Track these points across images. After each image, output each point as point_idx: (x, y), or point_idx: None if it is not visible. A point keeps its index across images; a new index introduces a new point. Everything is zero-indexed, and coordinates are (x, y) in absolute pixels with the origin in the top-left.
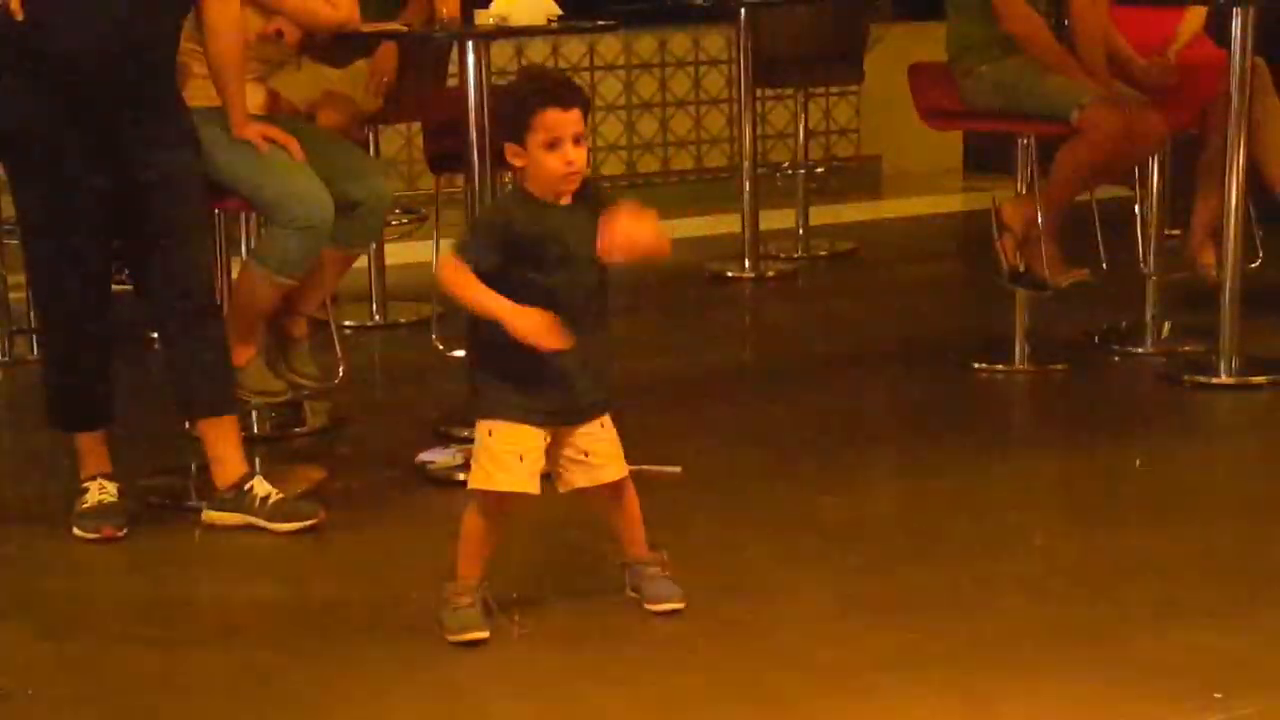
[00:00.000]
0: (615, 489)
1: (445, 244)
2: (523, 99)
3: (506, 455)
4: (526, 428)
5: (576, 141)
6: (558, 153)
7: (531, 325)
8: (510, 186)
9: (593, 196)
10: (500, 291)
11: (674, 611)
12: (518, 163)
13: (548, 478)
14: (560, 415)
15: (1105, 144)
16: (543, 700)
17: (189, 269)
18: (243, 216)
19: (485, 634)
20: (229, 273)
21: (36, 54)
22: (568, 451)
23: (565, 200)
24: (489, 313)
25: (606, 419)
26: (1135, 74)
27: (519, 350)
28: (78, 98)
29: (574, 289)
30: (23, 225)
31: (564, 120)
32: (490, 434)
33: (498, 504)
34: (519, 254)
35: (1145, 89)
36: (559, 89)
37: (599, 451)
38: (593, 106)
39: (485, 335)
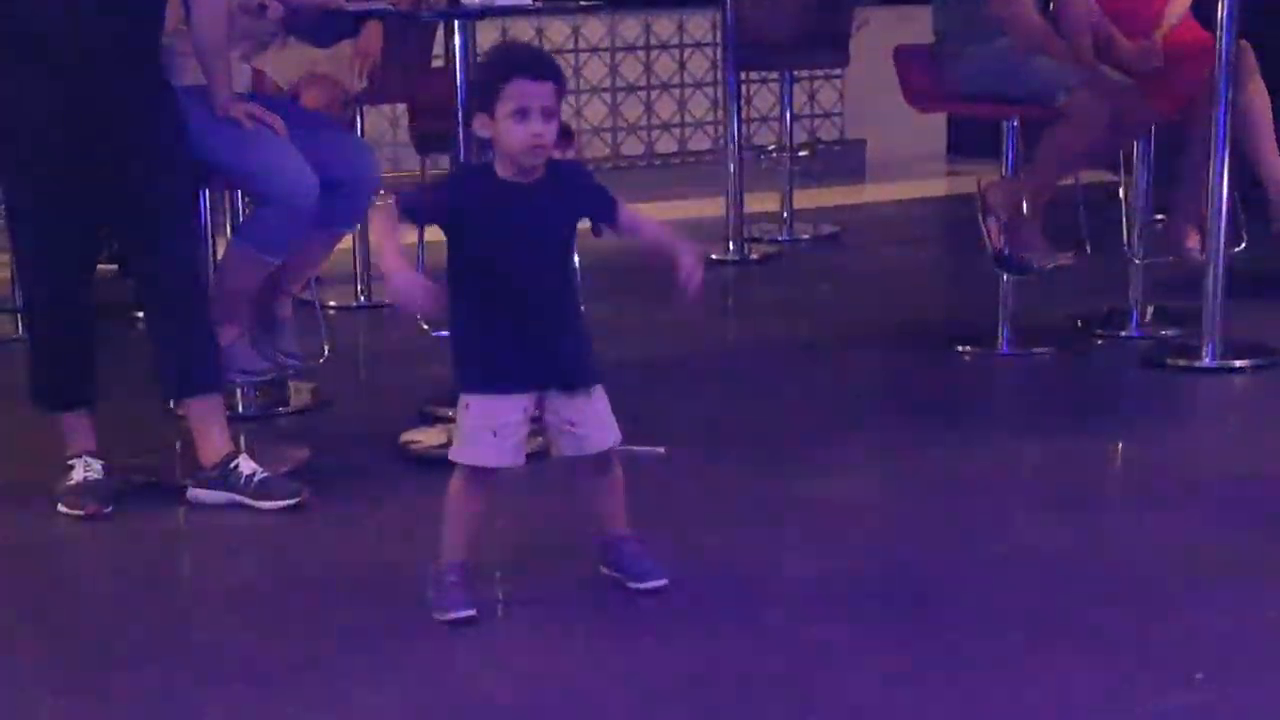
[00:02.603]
0: (600, 461)
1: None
2: (494, 67)
3: (481, 430)
4: (501, 399)
5: (546, 116)
6: (524, 124)
7: (402, 292)
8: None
9: (565, 179)
10: (456, 267)
11: (659, 589)
12: (485, 133)
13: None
14: (534, 382)
15: (1090, 128)
16: (528, 679)
17: (174, 248)
18: (228, 196)
19: (472, 612)
20: (214, 252)
21: (18, 34)
22: (555, 420)
23: (532, 177)
24: (383, 267)
25: (597, 390)
26: (1121, 57)
27: (490, 320)
28: (60, 73)
29: (533, 269)
30: (7, 204)
31: (534, 91)
32: (467, 407)
33: (476, 476)
34: (468, 226)
35: (1131, 72)
36: (531, 60)
37: (585, 421)
38: (577, 89)
39: (460, 306)
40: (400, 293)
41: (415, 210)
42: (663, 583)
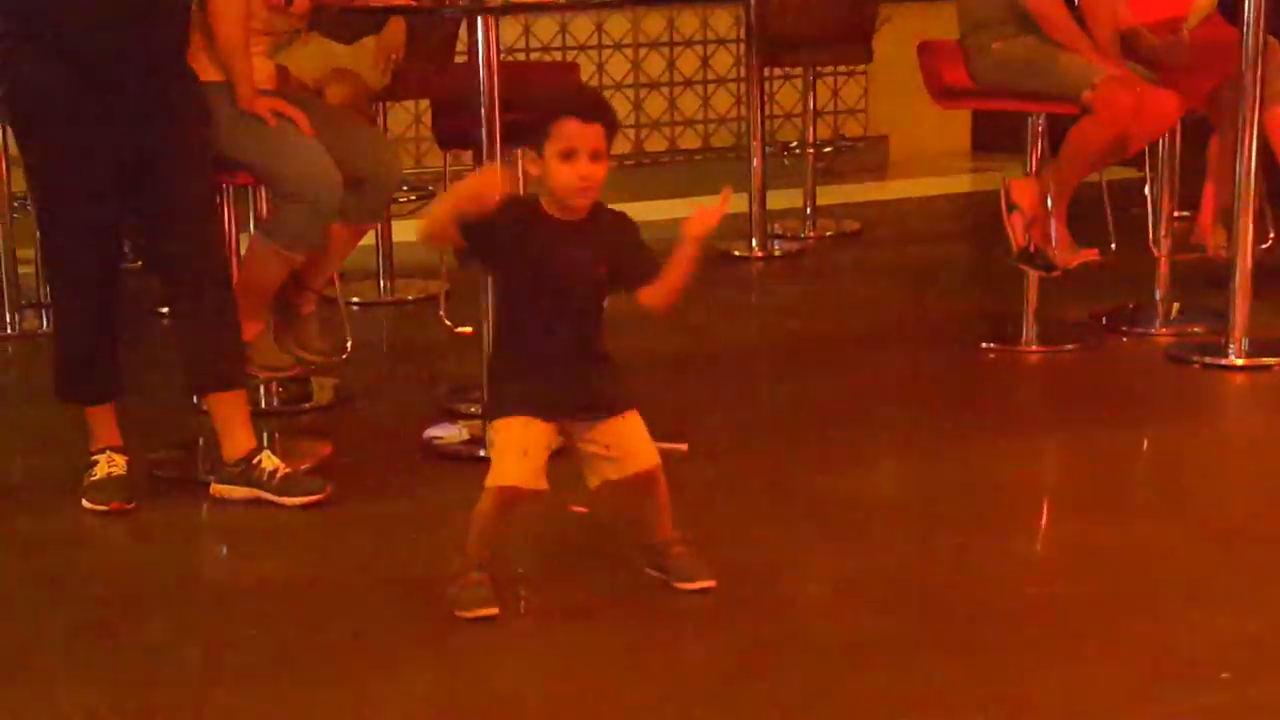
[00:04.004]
0: (646, 479)
1: None
2: (547, 107)
3: (511, 451)
4: (529, 421)
5: (595, 158)
6: (571, 164)
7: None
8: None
9: (609, 226)
10: (498, 296)
11: (705, 590)
12: (534, 171)
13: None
14: (564, 410)
15: (1116, 123)
16: (550, 676)
17: (198, 243)
18: (251, 191)
19: (495, 610)
20: (237, 247)
21: (47, 26)
22: (591, 447)
23: (575, 215)
24: (446, 212)
25: (630, 414)
26: (1148, 52)
27: (520, 353)
28: (88, 70)
29: (565, 307)
30: (34, 198)
31: (583, 133)
32: (498, 432)
33: (504, 497)
34: (510, 253)
35: (1158, 68)
36: (583, 102)
37: (621, 444)
38: (600, 85)
39: (498, 334)
40: (476, 180)
41: (470, 232)
42: (710, 583)
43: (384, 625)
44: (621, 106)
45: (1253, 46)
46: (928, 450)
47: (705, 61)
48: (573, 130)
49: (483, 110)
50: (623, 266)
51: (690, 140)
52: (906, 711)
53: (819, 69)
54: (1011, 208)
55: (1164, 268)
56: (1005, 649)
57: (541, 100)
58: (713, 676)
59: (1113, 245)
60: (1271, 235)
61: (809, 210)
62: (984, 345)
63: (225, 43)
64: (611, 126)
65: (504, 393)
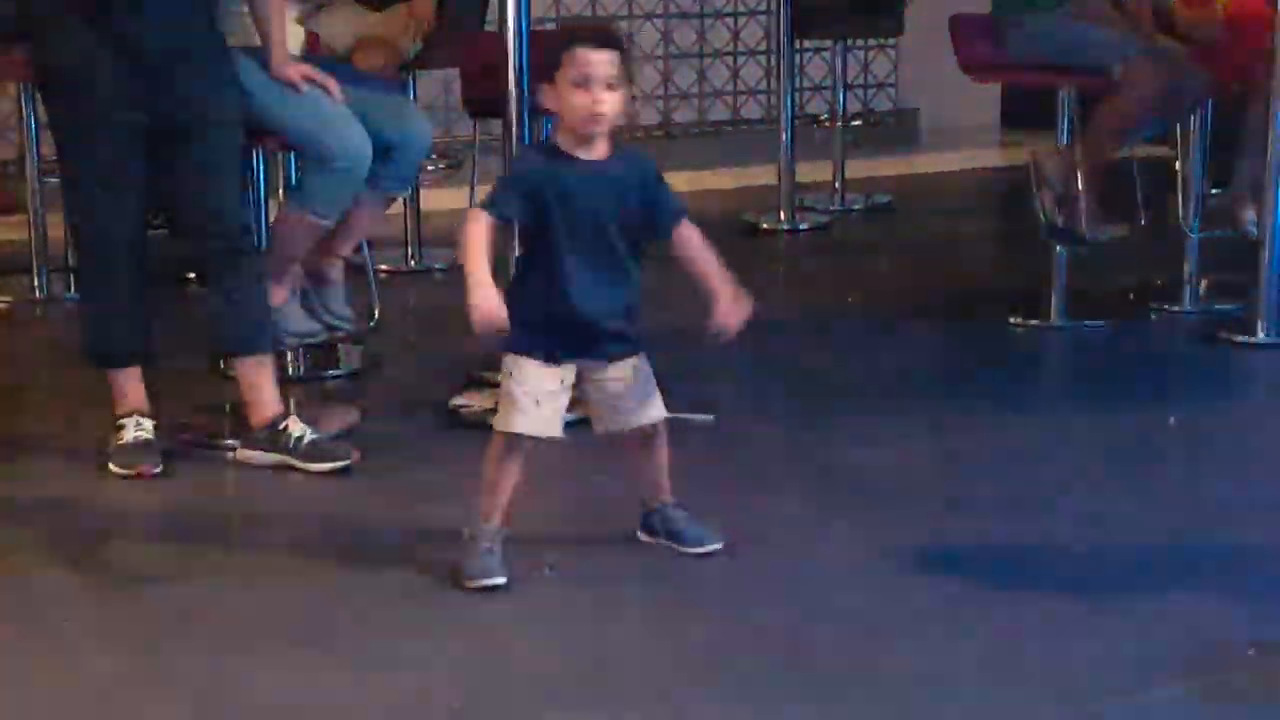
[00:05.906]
0: (648, 433)
1: (479, 197)
2: (558, 38)
3: (524, 399)
4: (544, 368)
5: (608, 86)
6: (585, 90)
7: (476, 311)
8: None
9: (634, 166)
10: (535, 243)
11: (714, 552)
12: (550, 104)
13: (579, 423)
14: (579, 354)
15: (1146, 99)
16: (572, 642)
17: (227, 207)
18: (280, 157)
19: (503, 580)
20: (267, 213)
21: None
22: (599, 396)
23: (596, 154)
24: (467, 277)
25: (639, 361)
26: (1181, 27)
27: (540, 288)
28: (119, 34)
29: (586, 244)
30: (62, 161)
31: (595, 59)
32: (511, 374)
33: (514, 444)
34: (542, 203)
35: (1190, 43)
36: (594, 31)
37: (630, 395)
38: (630, 56)
39: (519, 266)
40: (479, 310)
41: (500, 206)
42: (719, 545)
43: (406, 592)
44: (651, 77)
45: None
46: (953, 424)
47: (735, 33)
48: (585, 56)
49: (511, 80)
50: (645, 205)
51: (719, 112)
52: (927, 684)
53: (849, 41)
54: (1041, 182)
55: (1194, 245)
56: (1030, 623)
57: (554, 35)
58: (736, 647)
59: (1143, 221)
60: None
61: (837, 183)
62: (1012, 320)
63: (260, 8)
64: (624, 54)
65: (521, 329)
